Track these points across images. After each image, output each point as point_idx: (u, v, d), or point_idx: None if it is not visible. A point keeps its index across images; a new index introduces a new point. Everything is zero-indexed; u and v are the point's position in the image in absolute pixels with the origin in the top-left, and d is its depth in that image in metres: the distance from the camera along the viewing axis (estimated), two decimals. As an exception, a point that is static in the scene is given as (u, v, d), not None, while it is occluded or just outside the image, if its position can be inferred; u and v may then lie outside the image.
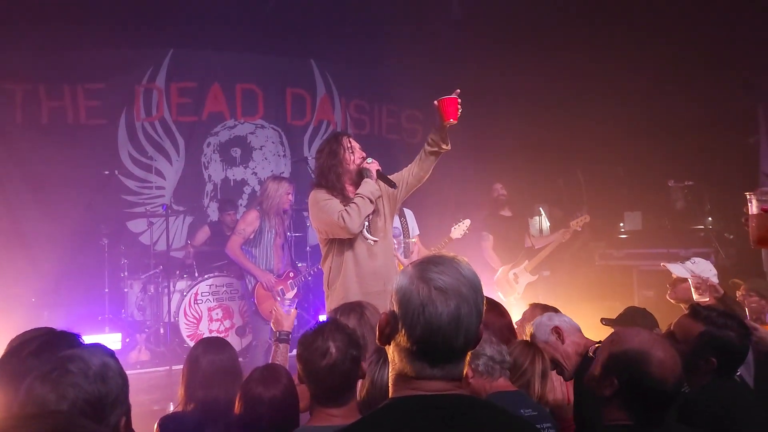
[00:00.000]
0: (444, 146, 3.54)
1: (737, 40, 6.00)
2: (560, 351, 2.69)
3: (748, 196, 1.91)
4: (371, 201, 3.48)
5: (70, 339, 1.79)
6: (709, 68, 6.26)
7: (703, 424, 1.83)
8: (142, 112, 7.19)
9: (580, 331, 2.77)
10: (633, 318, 3.39)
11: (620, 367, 1.76)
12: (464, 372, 1.31)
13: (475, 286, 1.28)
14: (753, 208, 1.88)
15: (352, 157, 3.61)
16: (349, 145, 3.62)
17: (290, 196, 5.48)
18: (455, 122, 3.38)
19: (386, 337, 1.32)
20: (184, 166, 7.40)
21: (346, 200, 3.52)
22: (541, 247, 6.31)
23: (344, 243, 3.56)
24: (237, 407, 2.29)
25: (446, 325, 1.24)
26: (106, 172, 6.60)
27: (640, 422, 1.74)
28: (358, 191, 3.51)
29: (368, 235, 3.57)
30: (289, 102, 7.93)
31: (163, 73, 7.27)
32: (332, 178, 3.58)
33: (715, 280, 3.66)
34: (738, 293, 4.14)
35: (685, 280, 3.71)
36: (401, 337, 1.28)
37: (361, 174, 3.60)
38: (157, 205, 7.06)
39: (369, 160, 3.61)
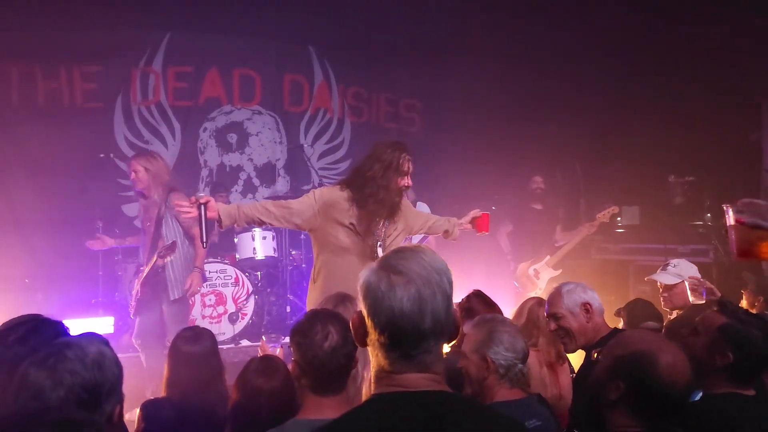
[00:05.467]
0: (453, 239, 3.98)
1: (741, 35, 5.95)
2: (580, 324, 2.64)
3: (724, 208, 1.87)
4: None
5: (57, 326, 1.77)
6: (712, 64, 6.21)
7: None
8: (138, 96, 7.12)
9: (603, 315, 2.73)
10: (642, 308, 3.38)
11: (626, 369, 1.68)
12: (441, 366, 1.30)
13: (439, 270, 1.28)
14: (730, 219, 1.84)
15: (399, 182, 3.40)
16: (405, 169, 3.39)
17: (134, 174, 4.52)
18: (486, 233, 3.98)
19: (361, 337, 1.33)
20: (180, 151, 7.34)
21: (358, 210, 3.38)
22: (564, 242, 6.24)
23: (342, 248, 3.43)
24: (234, 397, 2.29)
25: (409, 308, 1.23)
26: (102, 155, 6.53)
27: (647, 430, 1.66)
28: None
29: (380, 251, 3.41)
30: (287, 88, 7.84)
31: (160, 56, 7.19)
32: (367, 192, 3.35)
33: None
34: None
35: (675, 285, 3.65)
36: (372, 332, 1.28)
37: (392, 196, 3.40)
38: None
39: (200, 195, 3.13)
